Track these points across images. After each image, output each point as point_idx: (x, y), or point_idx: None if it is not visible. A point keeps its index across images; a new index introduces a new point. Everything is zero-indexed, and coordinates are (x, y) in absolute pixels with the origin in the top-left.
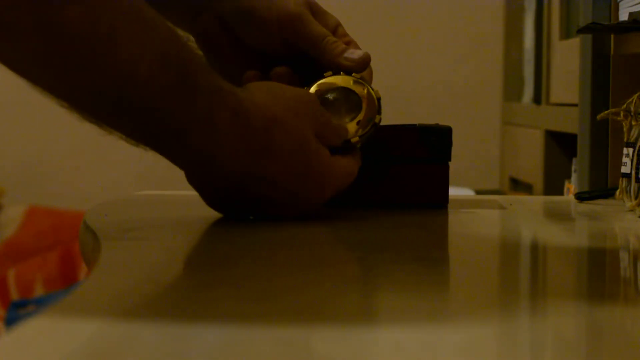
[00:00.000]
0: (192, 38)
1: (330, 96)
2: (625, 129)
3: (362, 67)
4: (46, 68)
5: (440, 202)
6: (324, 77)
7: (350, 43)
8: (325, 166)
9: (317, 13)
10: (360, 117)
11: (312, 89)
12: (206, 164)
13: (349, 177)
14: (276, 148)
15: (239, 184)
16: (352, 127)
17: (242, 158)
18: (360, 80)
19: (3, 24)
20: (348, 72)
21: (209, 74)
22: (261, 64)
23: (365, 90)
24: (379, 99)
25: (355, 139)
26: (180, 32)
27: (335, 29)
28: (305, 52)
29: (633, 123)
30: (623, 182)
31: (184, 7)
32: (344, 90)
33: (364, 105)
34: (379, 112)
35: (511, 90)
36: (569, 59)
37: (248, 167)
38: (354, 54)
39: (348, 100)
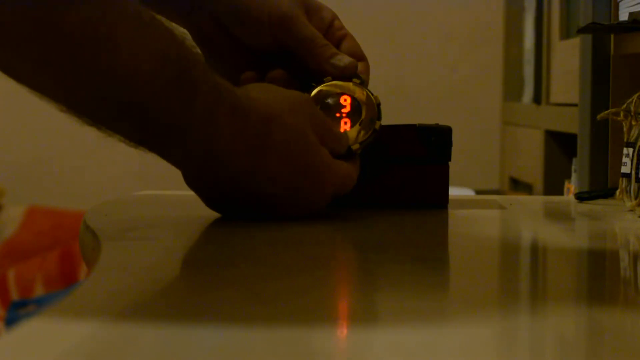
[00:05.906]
0: (189, 36)
1: (330, 101)
2: (625, 129)
3: (347, 74)
4: (46, 72)
5: (440, 202)
6: (323, 82)
7: (346, 36)
8: (325, 164)
9: (312, 9)
10: (360, 122)
11: (312, 94)
12: (206, 162)
13: (348, 180)
14: (275, 143)
15: (239, 181)
16: (352, 133)
17: (241, 154)
18: (360, 86)
19: (2, 29)
20: (348, 77)
21: (208, 71)
22: (258, 62)
23: (366, 96)
24: (378, 105)
25: (355, 146)
26: (178, 30)
27: (331, 22)
28: (295, 53)
29: (633, 123)
30: (623, 182)
31: (178, 5)
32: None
33: (364, 111)
34: (378, 117)
35: (511, 90)
36: (569, 59)
37: (247, 164)
38: (340, 61)
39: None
